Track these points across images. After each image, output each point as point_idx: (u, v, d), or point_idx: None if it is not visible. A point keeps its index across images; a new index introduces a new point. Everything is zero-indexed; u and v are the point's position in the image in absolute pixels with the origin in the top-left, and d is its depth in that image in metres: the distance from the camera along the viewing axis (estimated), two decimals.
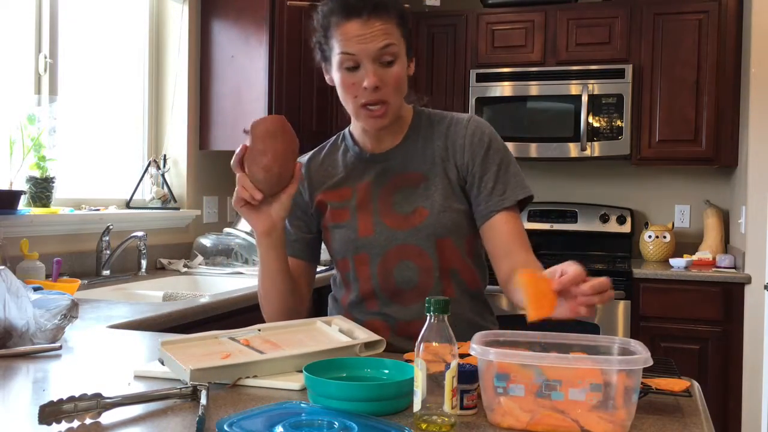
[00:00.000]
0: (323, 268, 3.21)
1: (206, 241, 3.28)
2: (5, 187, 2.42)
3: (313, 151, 1.60)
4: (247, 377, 1.17)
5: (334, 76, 1.43)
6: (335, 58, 1.40)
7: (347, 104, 1.43)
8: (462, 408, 1.02)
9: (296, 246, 1.55)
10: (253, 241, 3.20)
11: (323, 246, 1.62)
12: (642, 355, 0.98)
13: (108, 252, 2.76)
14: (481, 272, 1.56)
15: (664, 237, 3.82)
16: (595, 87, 3.73)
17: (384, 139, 1.50)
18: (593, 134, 3.73)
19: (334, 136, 1.61)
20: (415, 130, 1.50)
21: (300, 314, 1.52)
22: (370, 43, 1.35)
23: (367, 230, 1.46)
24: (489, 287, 1.59)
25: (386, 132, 1.48)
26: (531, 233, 4.32)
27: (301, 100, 3.64)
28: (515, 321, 3.68)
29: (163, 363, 1.20)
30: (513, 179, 1.46)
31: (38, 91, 2.68)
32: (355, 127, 1.54)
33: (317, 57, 1.48)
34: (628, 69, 3.70)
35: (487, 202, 1.44)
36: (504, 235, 1.44)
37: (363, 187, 1.49)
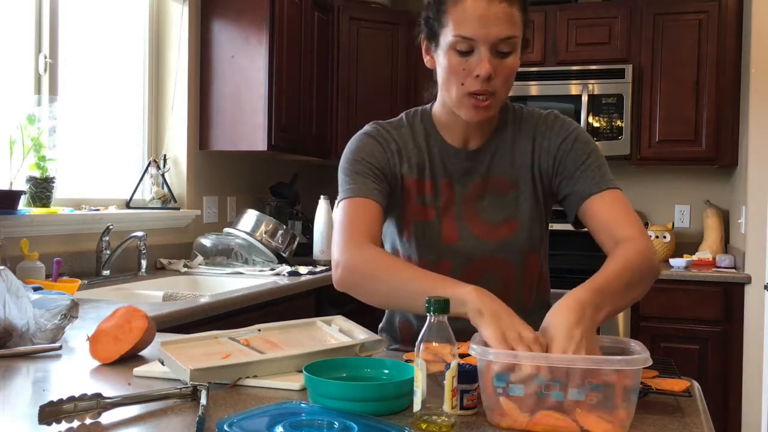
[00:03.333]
0: (323, 268, 3.21)
1: (206, 241, 3.28)
2: (5, 187, 2.42)
3: (386, 124, 1.44)
4: (247, 377, 1.17)
5: (440, 57, 1.30)
6: (447, 39, 1.27)
7: (449, 89, 1.30)
8: (462, 408, 1.02)
9: (377, 193, 1.36)
10: (253, 241, 3.21)
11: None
12: (641, 355, 0.98)
13: (108, 252, 2.76)
14: (549, 280, 1.55)
15: (664, 237, 3.82)
16: (595, 87, 3.73)
17: (472, 134, 1.39)
18: (593, 134, 3.73)
19: (405, 115, 1.45)
20: (503, 126, 1.41)
21: None
22: (492, 28, 1.23)
23: (451, 236, 1.37)
24: None
25: (476, 127, 1.37)
26: None
27: (300, 100, 3.64)
28: None
29: (163, 363, 1.20)
30: (606, 170, 1.37)
31: (38, 91, 2.68)
32: (441, 114, 1.40)
33: (421, 33, 1.35)
34: (628, 69, 3.70)
35: (591, 179, 1.34)
36: (616, 208, 1.34)
37: (446, 185, 1.39)
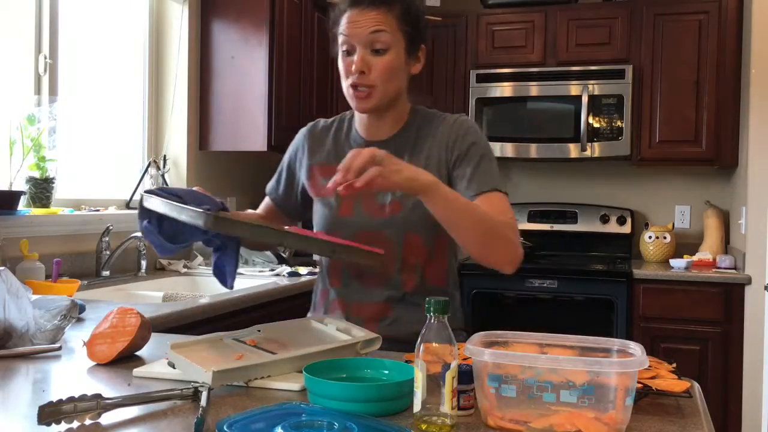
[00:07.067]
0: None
1: None
2: (5, 187, 2.42)
3: (323, 122, 1.70)
4: (261, 377, 1.17)
5: (338, 59, 1.55)
6: (337, 42, 1.53)
7: (342, 84, 1.53)
8: (459, 408, 1.02)
9: (278, 195, 1.73)
10: None
11: None
12: (638, 357, 0.98)
13: (108, 252, 2.76)
14: (449, 268, 1.62)
15: (665, 237, 3.82)
16: (595, 87, 3.73)
17: (380, 128, 1.58)
18: (593, 135, 3.73)
19: (346, 113, 1.68)
20: (410, 125, 1.59)
21: None
22: (362, 28, 1.47)
23: (346, 211, 1.56)
24: None
25: (381, 122, 1.57)
26: (531, 233, 4.28)
27: (300, 100, 3.64)
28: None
29: (173, 366, 1.19)
30: (491, 173, 1.51)
31: (38, 91, 2.68)
32: (356, 112, 1.62)
33: (334, 47, 1.58)
34: (628, 69, 3.70)
35: (466, 189, 1.49)
36: (496, 208, 1.46)
37: None
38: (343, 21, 1.50)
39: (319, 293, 1.68)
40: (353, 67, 1.48)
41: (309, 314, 1.72)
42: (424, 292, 1.54)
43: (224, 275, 1.46)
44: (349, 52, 1.50)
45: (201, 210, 1.23)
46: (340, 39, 1.51)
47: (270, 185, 1.74)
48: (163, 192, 1.39)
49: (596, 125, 3.74)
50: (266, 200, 1.76)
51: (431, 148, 1.55)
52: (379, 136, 1.58)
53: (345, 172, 1.23)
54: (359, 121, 1.61)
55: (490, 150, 1.55)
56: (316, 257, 1.68)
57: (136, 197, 3.20)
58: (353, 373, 1.14)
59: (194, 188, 1.47)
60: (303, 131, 1.70)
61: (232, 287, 1.46)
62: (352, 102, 1.53)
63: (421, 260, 1.54)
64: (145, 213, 1.38)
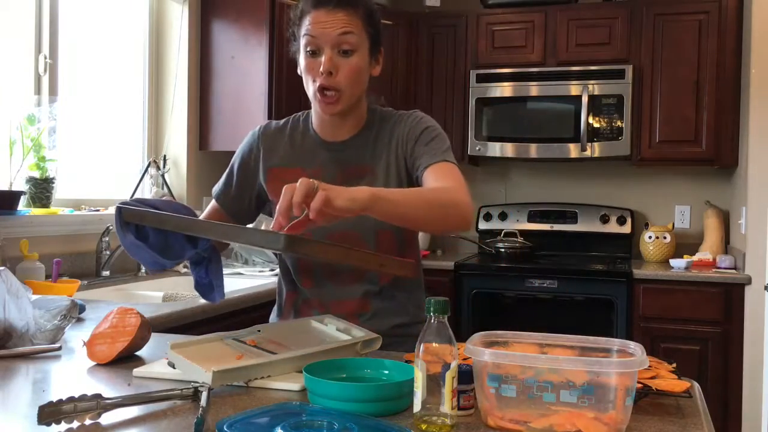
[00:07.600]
0: None
1: None
2: (5, 187, 2.42)
3: (275, 122, 1.67)
4: (261, 377, 1.17)
5: (300, 61, 1.53)
6: (301, 42, 1.51)
7: (307, 88, 1.52)
8: (459, 408, 1.02)
9: (228, 198, 1.67)
10: None
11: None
12: (638, 357, 0.98)
13: (108, 252, 2.76)
14: (418, 258, 1.68)
15: (665, 237, 3.82)
16: (596, 87, 3.73)
17: (340, 129, 1.58)
18: (593, 135, 3.73)
19: (298, 114, 1.67)
20: (369, 126, 1.60)
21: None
22: (330, 29, 1.46)
23: None
24: None
25: (342, 123, 1.57)
26: (531, 233, 4.26)
27: (301, 100, 3.63)
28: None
29: (173, 366, 1.19)
30: (442, 148, 1.52)
31: (38, 91, 2.68)
32: (315, 113, 1.61)
33: (293, 48, 1.58)
34: (628, 69, 3.70)
35: (418, 167, 1.51)
36: (430, 180, 1.48)
37: (315, 173, 1.53)
38: (308, 21, 1.48)
39: (285, 296, 1.65)
40: (321, 67, 1.45)
41: (272, 318, 1.70)
42: (399, 284, 1.59)
43: (211, 289, 1.40)
44: (314, 53, 1.48)
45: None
46: (305, 39, 1.49)
47: (218, 188, 1.69)
48: (139, 203, 1.34)
49: (596, 125, 3.74)
50: (212, 204, 1.70)
51: (390, 147, 1.56)
52: (339, 137, 1.58)
53: (285, 213, 1.15)
54: (318, 122, 1.59)
55: (444, 134, 1.57)
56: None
57: (137, 197, 3.19)
58: (353, 373, 1.14)
59: (164, 197, 1.43)
60: (255, 132, 1.66)
61: (218, 301, 1.43)
62: (319, 106, 1.51)
63: (393, 254, 1.51)
64: (127, 226, 1.30)
